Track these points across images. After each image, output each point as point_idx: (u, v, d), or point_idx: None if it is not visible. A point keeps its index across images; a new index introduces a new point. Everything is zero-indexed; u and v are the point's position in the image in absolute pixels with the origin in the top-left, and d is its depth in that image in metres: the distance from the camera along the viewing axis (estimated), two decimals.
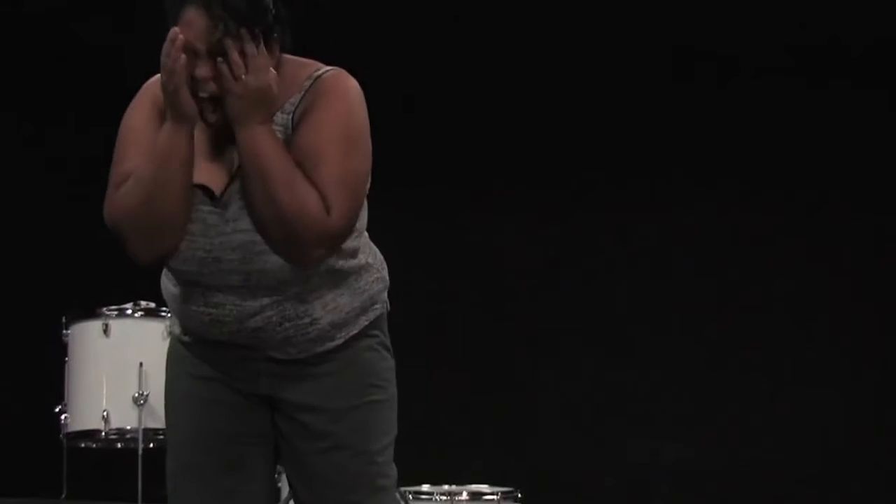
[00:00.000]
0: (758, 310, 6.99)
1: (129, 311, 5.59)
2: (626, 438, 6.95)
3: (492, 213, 7.10)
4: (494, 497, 5.57)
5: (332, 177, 2.94)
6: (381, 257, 3.21)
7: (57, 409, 5.58)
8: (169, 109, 2.93)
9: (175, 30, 2.88)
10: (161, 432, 5.50)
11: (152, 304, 5.61)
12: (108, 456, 5.78)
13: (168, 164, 2.94)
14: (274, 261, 2.97)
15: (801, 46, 7.00)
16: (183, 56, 2.88)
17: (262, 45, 2.90)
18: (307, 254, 2.97)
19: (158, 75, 3.01)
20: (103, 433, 5.50)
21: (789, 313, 6.98)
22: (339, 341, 3.09)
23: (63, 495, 5.70)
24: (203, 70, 2.91)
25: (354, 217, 3.01)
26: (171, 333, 3.27)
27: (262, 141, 2.91)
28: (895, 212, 6.97)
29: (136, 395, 5.45)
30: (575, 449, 6.93)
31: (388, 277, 3.22)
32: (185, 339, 3.16)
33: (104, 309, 5.59)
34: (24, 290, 6.87)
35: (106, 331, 5.53)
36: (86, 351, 5.57)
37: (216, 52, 2.89)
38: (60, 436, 5.59)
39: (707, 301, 7.03)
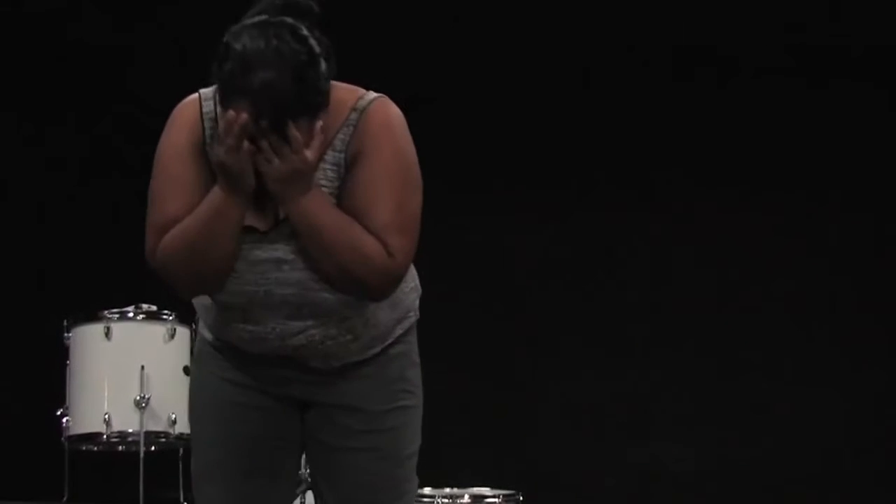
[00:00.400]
0: (758, 310, 6.99)
1: (131, 315, 5.59)
2: (627, 439, 6.95)
3: (492, 213, 7.10)
4: (496, 500, 5.58)
5: (390, 221, 2.99)
6: (413, 267, 3.24)
7: (58, 412, 5.59)
8: (228, 181, 2.91)
9: (231, 113, 2.84)
10: (163, 435, 5.52)
11: (154, 307, 5.62)
12: (110, 459, 5.79)
13: (217, 227, 2.95)
14: (333, 296, 3.01)
15: (801, 46, 6.99)
16: (246, 143, 2.86)
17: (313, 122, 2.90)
18: (375, 296, 3.04)
19: (191, 99, 3.05)
20: (105, 436, 5.51)
21: (790, 314, 6.98)
22: (376, 350, 3.14)
23: (65, 498, 5.70)
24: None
25: (414, 251, 3.08)
26: (198, 336, 3.26)
27: (311, 211, 2.93)
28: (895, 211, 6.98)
29: (138, 398, 5.45)
30: (576, 450, 6.93)
31: (420, 286, 3.27)
32: (217, 343, 3.17)
33: (105, 312, 5.60)
34: (25, 292, 6.86)
35: (107, 334, 5.54)
36: (87, 354, 5.58)
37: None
38: (62, 439, 5.59)
39: (707, 302, 7.03)
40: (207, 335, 3.20)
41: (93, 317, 5.59)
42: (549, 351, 7.07)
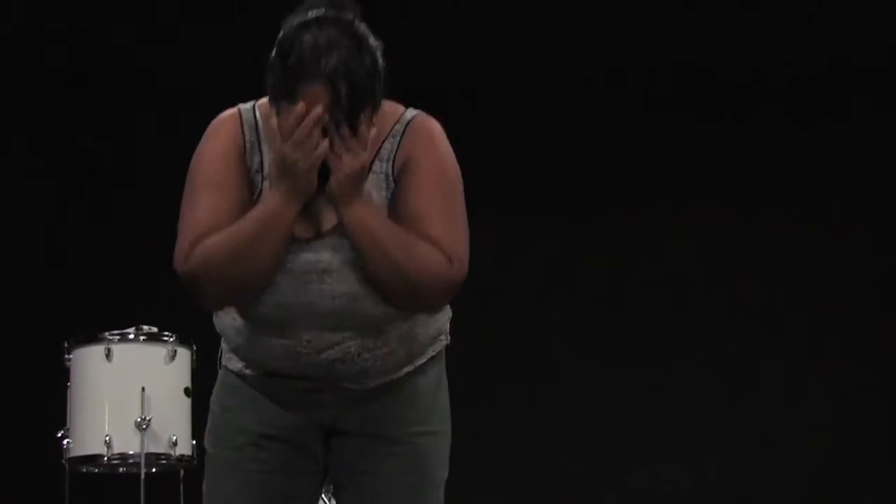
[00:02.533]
0: (762, 331, 6.99)
1: (132, 336, 5.58)
2: (628, 460, 6.94)
3: (493, 230, 7.09)
4: None
5: (445, 227, 2.97)
6: None
7: (59, 434, 5.57)
8: (288, 182, 2.86)
9: (302, 105, 2.81)
10: (164, 457, 5.50)
11: (154, 329, 5.60)
12: (111, 481, 5.78)
13: (270, 232, 2.88)
14: (379, 309, 2.97)
15: (800, 71, 7.02)
16: (321, 138, 2.83)
17: (370, 119, 2.89)
18: (435, 305, 3.06)
19: (230, 112, 3.04)
20: (105, 458, 5.48)
21: (794, 334, 6.97)
22: (409, 369, 3.09)
23: None
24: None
25: (468, 254, 3.04)
26: (223, 367, 3.19)
27: (370, 218, 2.90)
28: None
29: (139, 419, 5.44)
30: (576, 471, 6.93)
31: (450, 309, 3.23)
32: (246, 372, 3.10)
33: (106, 333, 5.56)
34: (25, 314, 6.86)
35: (108, 355, 5.52)
36: (88, 376, 5.56)
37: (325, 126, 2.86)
38: (63, 460, 5.57)
39: (710, 322, 7.03)
40: (235, 364, 3.13)
41: (93, 338, 5.57)
42: (548, 373, 7.06)
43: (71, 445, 5.54)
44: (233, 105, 3.09)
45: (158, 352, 5.55)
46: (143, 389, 5.46)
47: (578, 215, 7.14)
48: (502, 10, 7.00)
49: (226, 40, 7.11)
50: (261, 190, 2.97)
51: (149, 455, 5.45)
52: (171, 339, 5.58)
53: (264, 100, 3.00)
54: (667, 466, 6.91)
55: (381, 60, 2.90)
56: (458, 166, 3.08)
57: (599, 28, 7.04)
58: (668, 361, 6.99)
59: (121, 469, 5.61)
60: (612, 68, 7.11)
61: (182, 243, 2.96)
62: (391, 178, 2.98)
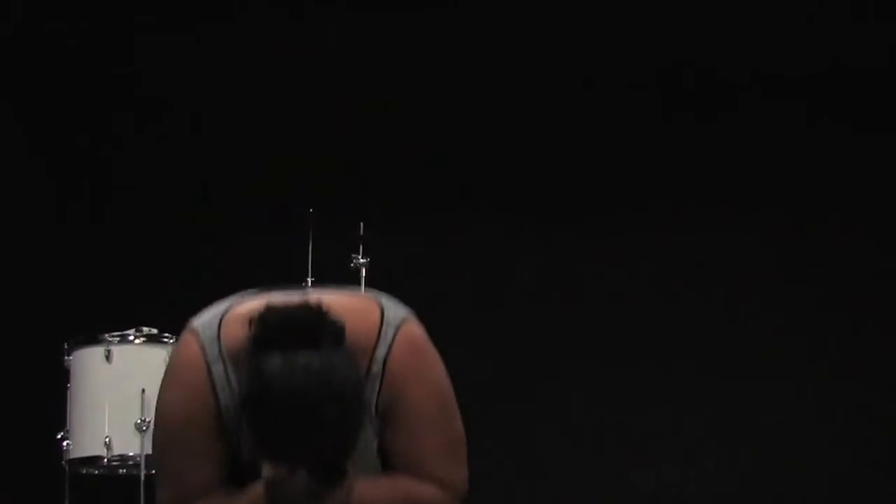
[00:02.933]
0: (764, 332, 6.98)
1: (132, 338, 5.58)
2: (628, 460, 6.94)
3: (492, 233, 7.09)
4: None
5: (439, 460, 2.88)
6: None
7: (59, 436, 5.57)
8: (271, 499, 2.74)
9: (280, 472, 2.68)
10: None
11: (154, 330, 5.60)
12: (111, 482, 5.77)
13: None
14: None
15: (796, 73, 7.02)
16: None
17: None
18: None
19: (192, 352, 2.81)
20: (105, 459, 5.49)
21: (795, 335, 6.96)
22: None
23: None
24: None
25: (467, 471, 2.95)
26: None
27: (367, 495, 2.81)
28: None
29: (139, 421, 5.44)
30: (576, 471, 6.92)
31: None
32: None
33: (106, 335, 5.57)
34: (25, 315, 6.86)
35: (108, 357, 5.52)
36: (88, 377, 5.56)
37: None
38: (62, 462, 5.57)
39: (710, 323, 7.01)
40: None
41: (93, 339, 5.57)
42: (548, 373, 7.05)
43: (71, 447, 5.55)
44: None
45: (158, 353, 5.54)
46: (143, 391, 5.46)
47: (580, 215, 7.13)
48: (504, 9, 7.00)
49: (222, 43, 7.11)
50: (239, 441, 2.81)
51: (149, 457, 5.43)
52: (172, 341, 5.57)
53: (231, 317, 2.83)
54: (667, 467, 6.90)
55: (359, 402, 2.68)
56: (446, 379, 2.94)
57: (598, 27, 7.04)
58: (668, 362, 6.98)
59: (121, 470, 5.61)
60: (613, 69, 7.10)
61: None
62: (375, 419, 2.84)
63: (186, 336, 2.87)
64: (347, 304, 2.81)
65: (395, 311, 2.89)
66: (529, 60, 7.13)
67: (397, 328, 2.86)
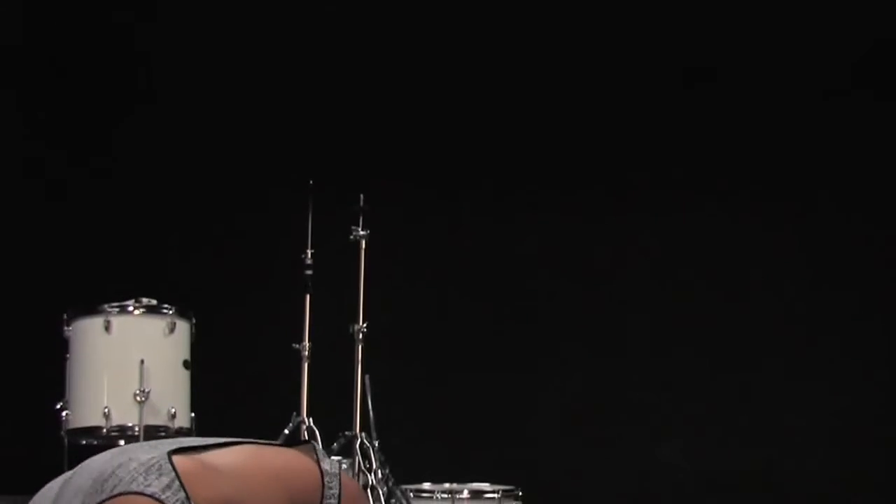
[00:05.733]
0: (764, 315, 6.98)
1: (131, 308, 5.57)
2: (627, 437, 6.95)
3: (492, 217, 7.09)
4: (495, 495, 5.58)
5: None
6: None
7: (58, 406, 5.57)
8: None
9: None
10: (162, 429, 5.51)
11: (154, 301, 5.60)
12: None
13: None
14: None
15: (796, 57, 7.00)
16: None
17: None
18: None
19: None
20: (104, 430, 5.50)
21: (792, 316, 6.97)
22: None
23: None
24: None
25: None
26: None
27: None
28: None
29: (138, 391, 5.44)
30: (575, 447, 6.93)
31: None
32: None
33: (105, 305, 5.57)
34: (25, 286, 6.86)
35: (107, 327, 5.52)
36: (87, 347, 5.56)
37: None
38: (61, 432, 5.58)
39: (711, 306, 7.01)
40: None
41: (92, 310, 5.57)
42: (549, 351, 7.06)
43: (70, 417, 5.55)
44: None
45: (158, 324, 5.55)
46: (142, 362, 5.46)
47: (580, 201, 7.12)
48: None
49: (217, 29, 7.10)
50: None
51: (147, 427, 5.46)
52: (171, 312, 5.58)
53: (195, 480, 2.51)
54: (667, 442, 6.91)
55: None
56: None
57: (596, 16, 7.04)
58: (668, 350, 6.98)
59: (120, 441, 5.59)
60: (611, 55, 7.09)
61: None
62: None
63: None
64: (282, 463, 2.67)
65: (330, 463, 2.76)
66: (531, 35, 7.12)
67: (339, 479, 2.73)
